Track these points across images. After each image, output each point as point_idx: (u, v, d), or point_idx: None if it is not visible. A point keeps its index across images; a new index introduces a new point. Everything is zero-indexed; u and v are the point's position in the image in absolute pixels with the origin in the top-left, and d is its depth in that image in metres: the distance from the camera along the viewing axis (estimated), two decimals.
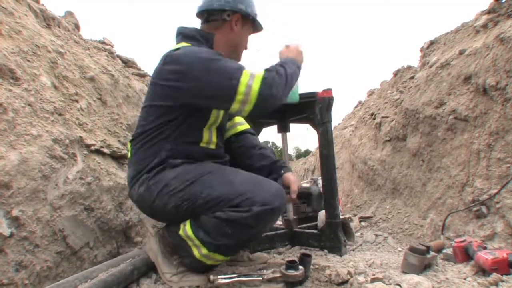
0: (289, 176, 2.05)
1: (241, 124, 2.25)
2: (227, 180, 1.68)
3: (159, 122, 1.78)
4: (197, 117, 1.80)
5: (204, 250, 1.67)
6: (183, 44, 1.84)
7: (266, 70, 1.72)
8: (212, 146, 1.91)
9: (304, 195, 2.01)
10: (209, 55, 1.71)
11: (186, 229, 1.70)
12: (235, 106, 1.66)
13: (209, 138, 1.87)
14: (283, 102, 1.82)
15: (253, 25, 2.07)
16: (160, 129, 1.78)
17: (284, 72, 1.75)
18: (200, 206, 1.65)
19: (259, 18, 2.09)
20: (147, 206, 1.80)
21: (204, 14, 1.98)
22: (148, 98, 1.86)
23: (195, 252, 1.69)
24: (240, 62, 1.99)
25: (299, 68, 1.94)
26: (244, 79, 1.63)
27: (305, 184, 4.45)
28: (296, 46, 2.02)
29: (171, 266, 1.75)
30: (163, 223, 2.01)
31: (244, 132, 2.22)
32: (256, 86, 1.63)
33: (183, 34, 1.93)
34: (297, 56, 1.98)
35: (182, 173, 1.71)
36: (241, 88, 1.62)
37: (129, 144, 1.94)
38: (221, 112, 1.90)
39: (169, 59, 1.75)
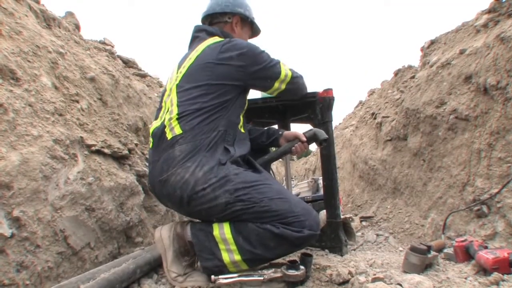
0: (290, 132, 2.26)
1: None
2: (284, 196, 1.72)
3: (218, 101, 1.82)
4: (241, 102, 1.97)
5: (237, 257, 1.65)
6: (217, 38, 2.04)
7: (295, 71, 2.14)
8: (243, 130, 2.00)
9: (311, 136, 2.13)
10: (253, 45, 1.97)
11: (224, 231, 1.67)
12: (276, 85, 2.03)
13: (243, 123, 2.00)
14: (303, 93, 2.27)
15: (252, 28, 2.28)
16: (218, 108, 1.82)
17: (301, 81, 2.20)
18: (254, 213, 1.65)
19: (256, 22, 2.28)
20: (191, 191, 1.66)
21: (208, 18, 2.19)
22: (204, 78, 1.84)
23: (225, 257, 1.66)
24: None
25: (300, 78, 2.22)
26: (282, 66, 2.02)
27: (304, 184, 4.45)
28: None
29: (179, 266, 1.74)
30: (163, 223, 2.00)
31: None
32: (290, 73, 2.06)
33: (207, 31, 2.09)
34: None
35: (244, 173, 1.73)
36: (283, 71, 2.01)
37: (174, 122, 1.78)
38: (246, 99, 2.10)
39: (228, 45, 1.90)
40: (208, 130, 1.76)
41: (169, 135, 1.77)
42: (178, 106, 1.80)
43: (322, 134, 2.13)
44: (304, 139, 2.14)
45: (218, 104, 1.82)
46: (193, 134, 1.73)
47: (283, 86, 2.06)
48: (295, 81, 2.11)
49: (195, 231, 1.73)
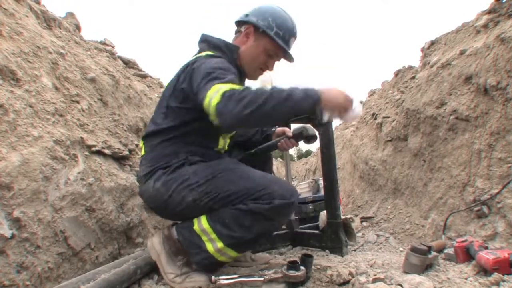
0: (280, 128, 2.25)
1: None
2: (246, 175, 1.74)
3: (174, 124, 1.83)
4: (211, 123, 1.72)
5: (220, 244, 1.68)
6: (206, 52, 1.90)
7: (236, 87, 1.59)
8: (222, 151, 2.02)
9: (299, 132, 2.13)
10: (212, 66, 1.70)
11: (201, 223, 1.71)
12: (211, 117, 1.60)
13: (224, 145, 1.97)
14: (249, 125, 1.79)
15: (271, 42, 1.96)
16: (180, 130, 1.84)
17: (264, 94, 1.54)
18: (221, 200, 1.68)
19: (284, 39, 1.97)
20: (161, 202, 1.79)
21: (236, 26, 2.10)
22: (167, 98, 1.89)
23: (209, 247, 1.70)
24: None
25: (310, 99, 1.61)
26: (210, 93, 1.57)
27: (305, 185, 4.45)
28: (345, 95, 1.68)
29: (174, 266, 1.75)
30: (163, 223, 2.01)
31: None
32: (214, 101, 1.54)
33: (209, 43, 1.99)
34: (332, 97, 1.66)
35: (201, 168, 1.76)
36: (206, 100, 1.59)
37: (141, 142, 1.97)
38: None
39: (189, 67, 1.81)
40: (168, 154, 1.83)
41: (141, 153, 1.98)
42: (148, 125, 1.98)
43: (310, 131, 2.12)
44: (290, 135, 2.16)
45: (175, 128, 1.83)
46: (151, 156, 1.87)
47: (216, 121, 1.58)
48: (220, 109, 1.52)
49: (180, 229, 1.79)
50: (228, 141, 2.06)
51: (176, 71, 1.94)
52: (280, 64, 2.13)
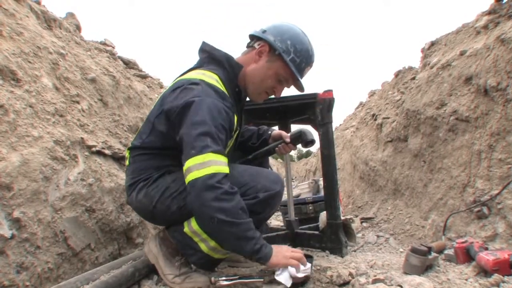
0: (277, 131, 2.19)
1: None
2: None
3: (161, 145, 1.78)
4: None
5: (212, 243, 1.68)
6: (200, 77, 1.72)
7: (222, 183, 1.49)
8: None
9: (296, 137, 2.08)
10: (202, 119, 1.55)
11: (191, 225, 1.70)
12: (185, 165, 1.54)
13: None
14: (200, 222, 1.65)
15: (285, 67, 1.82)
16: (164, 151, 1.79)
17: (237, 218, 1.50)
18: None
19: (299, 67, 1.83)
20: (148, 212, 1.79)
21: (250, 39, 1.95)
22: (154, 116, 1.79)
23: (203, 247, 1.70)
24: None
25: (257, 255, 1.59)
26: (197, 160, 1.50)
27: (305, 185, 4.45)
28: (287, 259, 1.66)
29: (173, 267, 1.75)
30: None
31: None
32: (199, 173, 1.48)
33: (211, 56, 1.85)
34: (277, 262, 1.63)
35: (181, 175, 1.65)
36: (186, 164, 1.52)
37: (127, 152, 1.93)
38: (234, 138, 1.87)
39: (180, 90, 1.68)
40: (149, 167, 1.80)
41: (126, 163, 1.94)
42: (135, 136, 1.92)
43: (308, 135, 2.05)
44: (288, 140, 2.09)
45: (159, 148, 1.78)
46: (133, 168, 1.84)
47: (191, 174, 1.50)
48: (192, 195, 1.49)
49: (172, 233, 1.78)
50: (227, 151, 1.88)
51: (176, 73, 1.90)
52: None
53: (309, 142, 2.06)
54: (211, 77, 1.73)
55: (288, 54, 1.80)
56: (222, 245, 1.65)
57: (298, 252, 1.71)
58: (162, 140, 1.76)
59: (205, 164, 1.48)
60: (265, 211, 1.72)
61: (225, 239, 1.57)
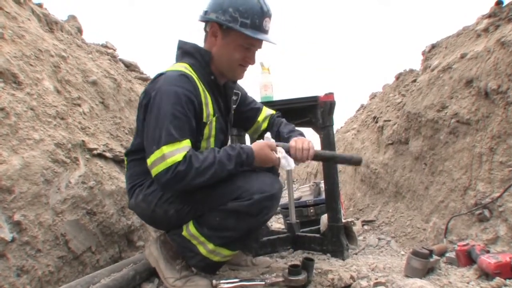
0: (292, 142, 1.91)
1: (264, 121, 2.18)
2: (224, 179, 1.68)
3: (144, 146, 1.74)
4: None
5: (210, 245, 1.68)
6: (177, 65, 1.76)
7: (189, 161, 1.54)
8: None
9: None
10: (167, 101, 1.60)
11: (189, 228, 1.71)
12: (148, 162, 1.60)
13: (207, 147, 1.84)
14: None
15: (241, 35, 1.73)
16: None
17: (207, 171, 1.57)
18: (202, 207, 1.69)
19: (254, 26, 1.72)
20: (147, 215, 1.81)
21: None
22: (139, 116, 1.82)
23: (201, 250, 1.69)
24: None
25: (241, 165, 1.65)
26: (155, 155, 1.56)
27: (306, 188, 4.44)
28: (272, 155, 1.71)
29: (173, 271, 1.74)
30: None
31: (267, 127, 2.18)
32: (158, 169, 1.54)
33: (183, 50, 1.84)
34: (262, 158, 1.70)
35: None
36: (149, 159, 1.58)
37: (125, 157, 1.94)
38: (213, 125, 1.82)
39: (149, 85, 1.74)
40: (141, 172, 1.79)
41: (126, 168, 1.94)
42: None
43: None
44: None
45: (144, 150, 1.72)
46: (129, 174, 1.86)
47: (152, 172, 1.59)
48: (163, 181, 1.55)
49: (172, 236, 1.78)
50: (213, 143, 1.87)
51: None
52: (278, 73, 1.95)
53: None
54: (180, 66, 1.74)
55: (236, 22, 1.70)
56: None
57: (274, 147, 1.74)
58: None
59: (162, 159, 1.54)
60: (261, 213, 1.68)
61: (217, 180, 1.63)
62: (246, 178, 1.71)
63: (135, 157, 1.83)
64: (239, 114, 2.11)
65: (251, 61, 1.85)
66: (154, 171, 1.56)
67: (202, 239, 1.68)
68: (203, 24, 1.84)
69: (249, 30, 1.71)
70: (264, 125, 2.16)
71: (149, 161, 1.58)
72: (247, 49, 1.79)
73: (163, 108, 1.59)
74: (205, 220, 1.69)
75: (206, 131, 1.79)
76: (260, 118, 2.16)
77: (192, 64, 1.77)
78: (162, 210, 1.71)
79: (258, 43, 1.81)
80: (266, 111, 2.19)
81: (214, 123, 1.83)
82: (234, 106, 2.06)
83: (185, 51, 1.83)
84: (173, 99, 1.60)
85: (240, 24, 1.70)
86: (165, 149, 1.54)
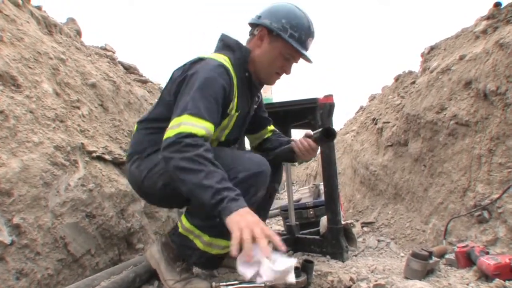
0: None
1: (269, 132, 2.25)
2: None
3: (164, 117, 1.78)
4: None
5: (206, 237, 1.67)
6: (210, 56, 1.81)
7: (200, 144, 1.51)
8: (216, 143, 1.91)
9: (318, 132, 1.92)
10: (203, 82, 1.64)
11: (183, 223, 1.72)
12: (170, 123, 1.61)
13: (217, 137, 1.86)
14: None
15: (287, 45, 1.84)
16: (165, 123, 1.74)
17: (196, 172, 1.45)
18: None
19: (300, 41, 1.84)
20: (138, 185, 1.84)
21: (250, 27, 1.98)
22: (165, 88, 1.89)
23: (199, 244, 1.69)
24: None
25: (216, 208, 1.42)
26: (181, 119, 1.55)
27: (306, 190, 4.44)
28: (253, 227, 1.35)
29: (174, 273, 1.74)
30: (164, 229, 2.00)
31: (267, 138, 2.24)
32: (171, 132, 1.53)
33: (224, 42, 1.94)
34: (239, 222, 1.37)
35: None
36: (175, 120, 1.57)
37: (135, 125, 1.97)
38: (233, 120, 1.86)
39: (188, 64, 1.80)
40: (147, 141, 1.83)
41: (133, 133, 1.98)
42: None
43: (331, 129, 1.92)
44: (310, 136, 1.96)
45: (161, 120, 1.76)
46: (135, 140, 1.90)
47: (166, 134, 1.56)
48: (165, 151, 1.51)
49: (171, 237, 1.79)
50: (226, 132, 1.90)
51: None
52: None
53: (331, 135, 1.92)
54: (220, 57, 1.80)
55: (285, 32, 1.82)
56: (189, 197, 1.56)
57: (267, 235, 1.35)
58: (167, 110, 1.77)
59: (178, 125, 1.54)
60: (248, 192, 1.63)
61: (187, 188, 1.48)
62: (236, 157, 1.70)
63: (147, 125, 1.87)
64: (253, 118, 2.13)
65: (288, 71, 1.95)
66: (166, 134, 1.56)
67: (197, 232, 1.68)
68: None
69: (295, 43, 1.83)
70: (268, 135, 2.24)
71: (169, 125, 1.59)
72: (287, 59, 1.89)
73: (198, 87, 1.63)
74: (197, 211, 1.69)
75: (224, 122, 1.83)
76: (270, 128, 2.24)
77: (230, 58, 1.84)
78: (151, 181, 1.74)
79: (297, 57, 1.92)
80: (272, 125, 2.27)
81: (234, 118, 1.88)
82: (255, 106, 2.10)
83: (227, 44, 1.92)
84: (209, 83, 1.66)
85: (289, 35, 1.82)
86: (186, 118, 1.55)
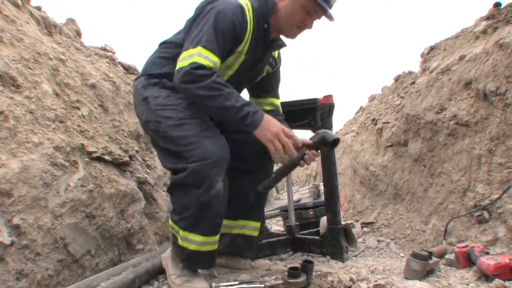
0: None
1: (270, 106, 2.16)
2: (184, 130, 1.67)
3: (180, 42, 1.84)
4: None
5: (181, 232, 1.67)
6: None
7: (211, 73, 1.62)
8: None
9: (320, 140, 1.83)
10: (217, 16, 1.70)
11: (169, 222, 1.75)
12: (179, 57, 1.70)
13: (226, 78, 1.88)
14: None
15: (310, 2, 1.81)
16: (174, 50, 1.84)
17: (217, 96, 1.61)
18: (162, 138, 1.72)
19: None
20: (135, 104, 1.92)
21: None
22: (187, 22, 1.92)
23: (179, 240, 1.69)
24: None
25: (245, 123, 1.63)
26: (194, 50, 1.64)
27: (306, 190, 4.44)
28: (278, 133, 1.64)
29: (177, 268, 1.76)
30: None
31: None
32: (184, 63, 1.63)
33: None
34: (266, 129, 1.64)
35: (163, 100, 1.75)
36: (188, 52, 1.66)
37: (159, 45, 2.01)
38: (239, 61, 1.87)
39: (205, 2, 1.82)
40: (157, 62, 1.90)
41: None
42: None
43: (331, 135, 1.86)
44: (311, 145, 1.85)
45: (179, 46, 1.81)
46: (149, 59, 1.94)
47: (178, 64, 1.67)
48: (179, 78, 1.63)
49: (171, 236, 1.82)
50: (229, 73, 1.91)
51: None
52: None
53: (334, 143, 1.88)
54: (242, 0, 1.82)
55: None
56: (216, 118, 1.77)
57: (290, 137, 1.66)
58: (185, 35, 1.83)
59: (191, 56, 1.62)
60: (203, 184, 1.58)
61: (214, 111, 1.70)
62: (194, 137, 1.64)
63: (167, 48, 1.92)
64: (261, 80, 2.11)
65: (310, 25, 1.93)
66: (179, 65, 1.64)
67: (176, 227, 1.69)
68: None
69: None
70: (267, 108, 2.12)
71: (181, 56, 1.67)
72: (309, 13, 1.86)
73: (213, 21, 1.68)
74: (172, 204, 1.72)
75: (230, 59, 1.85)
76: (272, 100, 2.17)
77: (253, 4, 1.85)
78: (139, 110, 1.83)
79: (320, 12, 1.87)
80: (279, 103, 2.21)
81: (240, 60, 1.88)
82: (268, 67, 2.08)
83: None
84: (221, 17, 1.70)
85: None
86: (200, 50, 1.63)
